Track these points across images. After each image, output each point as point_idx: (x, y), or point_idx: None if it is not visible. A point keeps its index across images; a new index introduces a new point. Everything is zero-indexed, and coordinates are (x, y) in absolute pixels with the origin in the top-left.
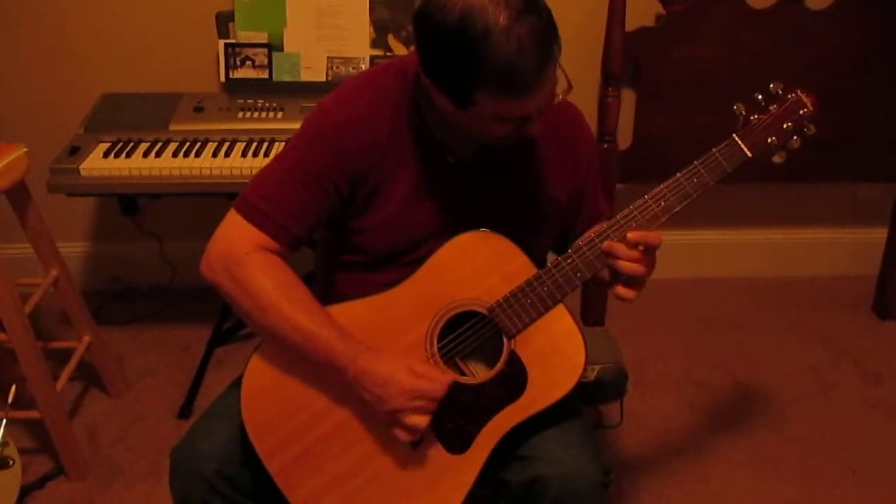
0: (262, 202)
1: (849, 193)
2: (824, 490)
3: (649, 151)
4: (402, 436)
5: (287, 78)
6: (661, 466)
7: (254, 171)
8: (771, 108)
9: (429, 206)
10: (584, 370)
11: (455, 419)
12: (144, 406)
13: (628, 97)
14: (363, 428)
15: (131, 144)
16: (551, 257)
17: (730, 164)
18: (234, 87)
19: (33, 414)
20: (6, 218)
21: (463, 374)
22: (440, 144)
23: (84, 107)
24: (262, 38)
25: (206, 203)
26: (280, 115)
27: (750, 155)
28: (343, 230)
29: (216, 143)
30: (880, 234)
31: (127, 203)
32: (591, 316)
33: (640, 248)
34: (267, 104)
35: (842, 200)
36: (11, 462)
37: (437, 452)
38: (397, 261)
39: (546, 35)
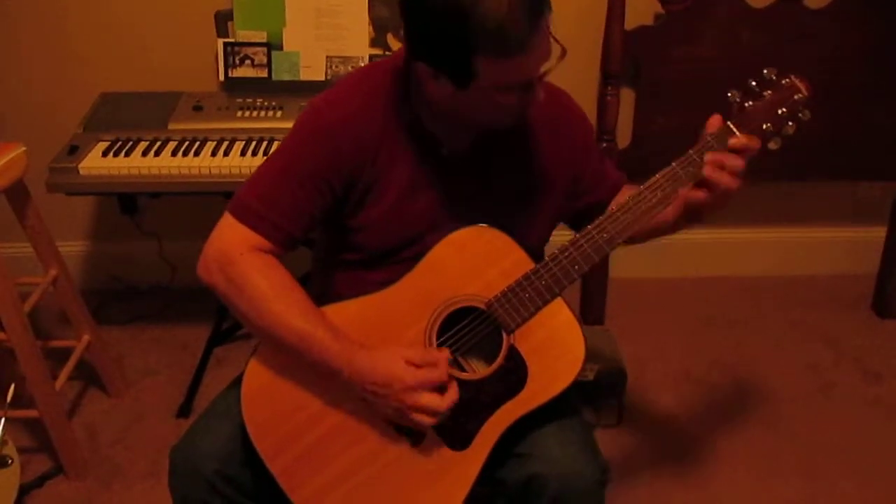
0: (256, 203)
1: (848, 192)
2: (823, 489)
3: (648, 150)
4: (425, 420)
5: (286, 77)
6: (659, 466)
7: (253, 171)
8: (765, 93)
9: (425, 200)
10: (585, 362)
11: (456, 415)
12: (144, 405)
13: (627, 96)
14: (364, 426)
15: (130, 143)
16: (550, 249)
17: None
18: (234, 86)
19: (32, 413)
20: (5, 217)
21: (463, 370)
22: (433, 138)
23: (83, 106)
24: (262, 37)
25: (205, 202)
26: (279, 114)
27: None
28: (339, 228)
29: (215, 143)
30: (880, 233)
31: (126, 202)
32: (590, 315)
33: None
34: (266, 103)
35: (841, 199)
36: (10, 461)
37: (439, 449)
38: (394, 257)
39: None
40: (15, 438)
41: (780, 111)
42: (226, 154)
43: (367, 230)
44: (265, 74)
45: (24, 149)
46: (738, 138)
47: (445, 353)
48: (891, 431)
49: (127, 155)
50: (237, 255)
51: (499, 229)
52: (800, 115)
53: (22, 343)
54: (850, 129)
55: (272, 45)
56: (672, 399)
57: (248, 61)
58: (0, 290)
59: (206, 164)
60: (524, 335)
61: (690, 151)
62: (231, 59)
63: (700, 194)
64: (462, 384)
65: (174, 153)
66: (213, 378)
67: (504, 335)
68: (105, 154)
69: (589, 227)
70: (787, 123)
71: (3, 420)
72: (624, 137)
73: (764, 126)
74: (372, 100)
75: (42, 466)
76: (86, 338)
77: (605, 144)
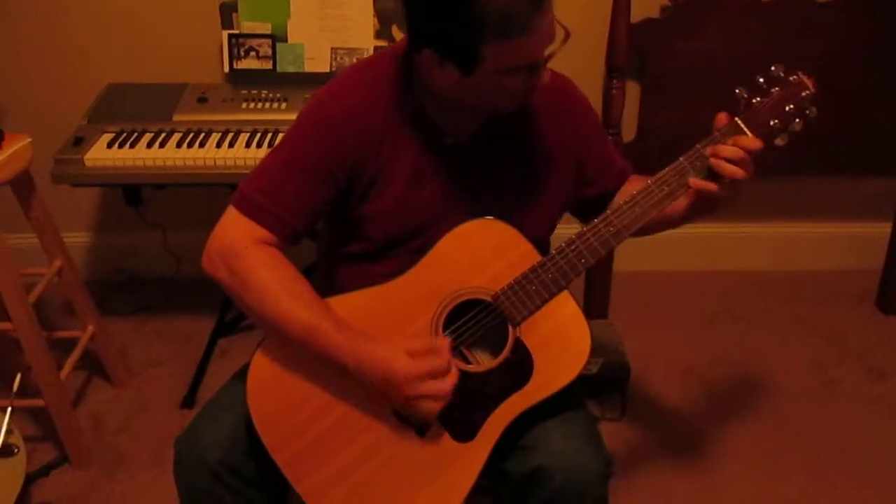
0: (259, 196)
1: (853, 188)
2: (826, 486)
3: (653, 144)
4: (431, 407)
5: (291, 69)
6: (662, 460)
7: (257, 162)
8: (773, 90)
9: (429, 191)
10: (590, 355)
11: (461, 407)
12: (148, 396)
13: (632, 89)
14: (369, 418)
15: (135, 135)
16: (557, 242)
17: None
18: (238, 78)
19: (38, 402)
20: (11, 208)
21: (468, 362)
22: (437, 128)
23: (88, 97)
24: (266, 28)
25: (209, 194)
26: (284, 105)
27: (751, 136)
28: (344, 220)
29: (220, 134)
30: (884, 229)
31: (131, 194)
32: (594, 309)
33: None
34: (271, 95)
35: (847, 195)
36: (16, 450)
37: (444, 441)
38: (400, 249)
39: None
40: (21, 427)
41: (787, 108)
42: (230, 146)
43: (371, 221)
44: (270, 66)
45: (29, 140)
46: (746, 139)
47: (447, 340)
48: (894, 430)
49: (132, 146)
50: (241, 248)
51: (505, 221)
52: (807, 111)
53: (27, 333)
54: (854, 125)
55: (277, 37)
56: (675, 393)
57: (252, 53)
58: (6, 280)
59: (211, 156)
60: (530, 328)
61: (698, 146)
62: (236, 50)
63: (711, 186)
64: (468, 376)
65: (179, 145)
66: (216, 369)
67: (510, 328)
68: (110, 145)
69: (595, 220)
70: (794, 120)
71: (9, 409)
72: (629, 131)
73: (771, 122)
74: (375, 91)
75: (47, 455)
76: (90, 328)
77: (609, 138)
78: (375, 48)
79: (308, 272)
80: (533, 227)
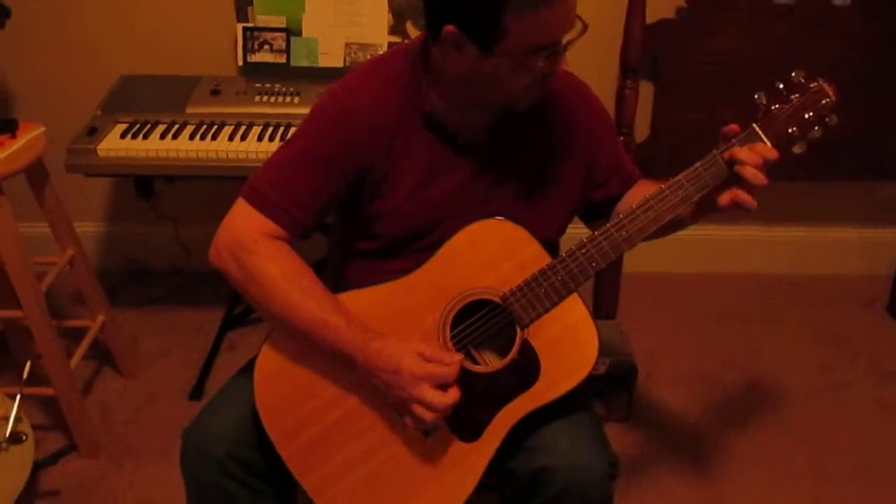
0: (269, 190)
1: (865, 192)
2: (832, 490)
3: (666, 144)
4: (412, 423)
5: (304, 63)
6: (668, 461)
7: (270, 156)
8: (792, 97)
9: (440, 189)
10: (597, 360)
11: (467, 407)
12: (157, 386)
13: (646, 89)
14: (375, 414)
15: (148, 126)
16: (566, 245)
17: None
18: (252, 71)
19: (47, 391)
20: (24, 197)
21: (475, 362)
22: (449, 126)
23: (102, 88)
24: (281, 22)
25: (221, 186)
26: (297, 99)
27: (769, 145)
28: (356, 217)
29: (232, 127)
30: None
31: (142, 187)
32: (603, 309)
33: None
34: (284, 89)
35: (858, 199)
36: (25, 437)
37: (449, 440)
38: (410, 246)
39: None
40: (30, 415)
41: (807, 115)
42: (243, 139)
43: (383, 219)
44: (283, 60)
45: (43, 129)
46: (762, 147)
47: (460, 356)
48: None
49: (145, 137)
50: (250, 241)
51: (515, 222)
52: (826, 119)
53: (38, 321)
54: (870, 127)
55: (291, 31)
56: (682, 395)
57: (266, 46)
58: (18, 268)
59: (223, 149)
60: (538, 330)
61: (715, 151)
62: (250, 43)
63: (749, 200)
64: (474, 376)
65: (192, 137)
66: (225, 361)
67: (518, 329)
68: (123, 136)
69: (608, 224)
70: (813, 128)
71: (18, 397)
72: (642, 131)
73: (790, 130)
74: (388, 87)
75: (56, 444)
76: (101, 318)
77: (622, 138)
78: (389, 44)
79: (318, 268)
80: (543, 228)
